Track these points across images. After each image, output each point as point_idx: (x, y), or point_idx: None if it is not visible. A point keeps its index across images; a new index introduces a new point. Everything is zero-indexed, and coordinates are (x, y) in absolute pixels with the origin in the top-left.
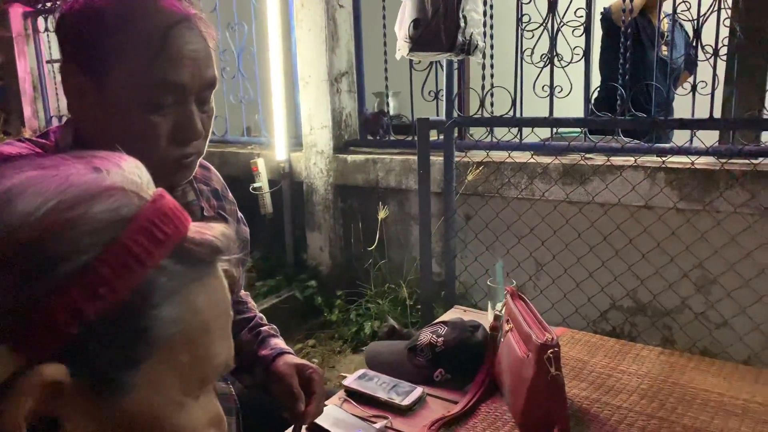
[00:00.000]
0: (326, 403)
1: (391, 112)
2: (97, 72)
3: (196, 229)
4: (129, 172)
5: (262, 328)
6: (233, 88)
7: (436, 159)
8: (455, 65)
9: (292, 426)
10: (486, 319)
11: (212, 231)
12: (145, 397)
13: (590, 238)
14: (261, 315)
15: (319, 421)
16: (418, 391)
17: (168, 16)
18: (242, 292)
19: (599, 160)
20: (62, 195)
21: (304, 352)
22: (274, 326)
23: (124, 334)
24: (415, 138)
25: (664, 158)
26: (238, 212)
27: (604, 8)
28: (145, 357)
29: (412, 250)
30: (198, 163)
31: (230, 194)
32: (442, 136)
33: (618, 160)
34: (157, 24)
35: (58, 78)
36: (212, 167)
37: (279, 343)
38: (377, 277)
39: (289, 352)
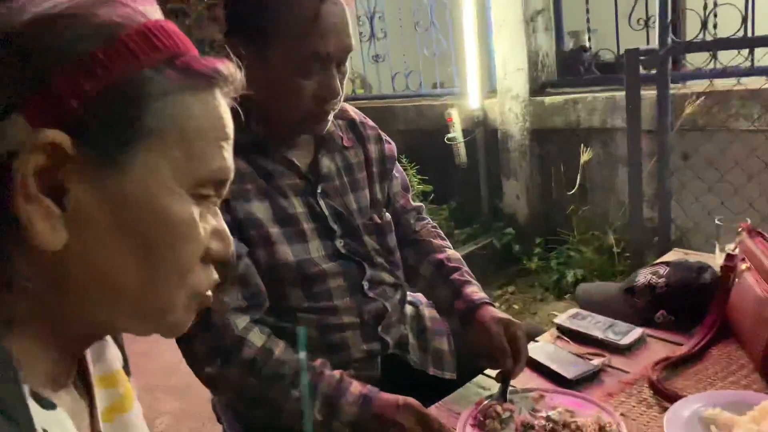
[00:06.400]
0: (537, 339)
1: (591, 51)
2: (258, 45)
3: (205, 58)
4: (145, 9)
5: (453, 276)
6: (426, 41)
7: (647, 93)
8: None
9: (500, 379)
10: (713, 261)
11: (221, 62)
12: (140, 178)
13: None
14: (450, 255)
15: (534, 354)
16: (638, 331)
17: None
18: (424, 230)
19: None
20: (77, 1)
21: (503, 299)
22: (467, 268)
23: (119, 116)
24: (622, 74)
25: None
26: (381, 133)
27: None
28: (138, 140)
29: (618, 194)
30: None
31: (369, 121)
32: (652, 71)
33: None
34: (308, 4)
35: None
36: (347, 104)
37: (475, 292)
38: (580, 223)
39: (489, 303)
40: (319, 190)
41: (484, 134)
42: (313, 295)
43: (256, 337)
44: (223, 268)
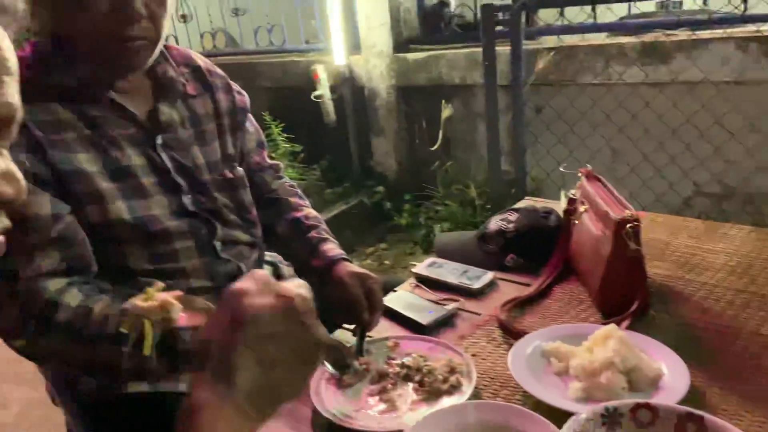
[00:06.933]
0: (396, 289)
1: (452, 9)
2: None
3: None
4: None
5: (310, 234)
6: None
7: (503, 50)
8: None
9: (357, 333)
10: (559, 206)
11: None
12: None
13: (672, 120)
14: (308, 213)
15: (391, 304)
16: (489, 275)
17: None
18: (281, 188)
19: (683, 35)
20: None
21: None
22: (325, 226)
23: None
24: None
25: (759, 26)
26: (231, 83)
27: None
28: None
29: (480, 149)
30: (172, 48)
31: (217, 69)
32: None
33: (705, 34)
34: None
35: None
36: (193, 51)
37: (332, 248)
38: (445, 178)
39: (346, 259)
40: (159, 141)
41: (352, 91)
42: (157, 256)
43: (71, 298)
44: (38, 231)
